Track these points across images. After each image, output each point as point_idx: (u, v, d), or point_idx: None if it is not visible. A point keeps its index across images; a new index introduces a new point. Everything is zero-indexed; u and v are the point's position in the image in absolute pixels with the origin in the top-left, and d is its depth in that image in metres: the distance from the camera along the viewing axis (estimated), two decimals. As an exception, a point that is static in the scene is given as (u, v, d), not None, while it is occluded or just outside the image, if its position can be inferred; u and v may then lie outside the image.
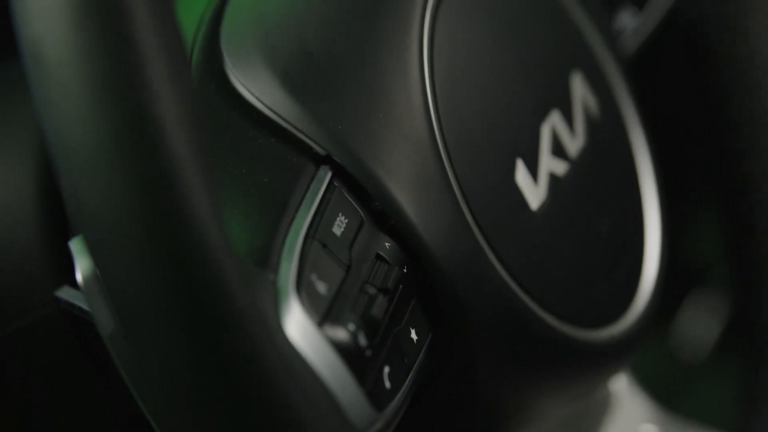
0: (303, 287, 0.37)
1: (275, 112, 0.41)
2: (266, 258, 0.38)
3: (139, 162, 0.32)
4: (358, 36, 0.42)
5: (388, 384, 0.39)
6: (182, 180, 0.32)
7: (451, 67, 0.43)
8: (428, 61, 0.43)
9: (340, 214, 0.40)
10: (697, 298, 0.79)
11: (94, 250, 0.33)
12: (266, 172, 0.40)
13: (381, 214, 0.41)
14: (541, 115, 0.45)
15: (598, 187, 0.48)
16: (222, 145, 0.41)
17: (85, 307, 0.41)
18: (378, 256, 0.40)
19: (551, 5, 0.48)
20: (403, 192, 0.41)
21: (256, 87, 0.41)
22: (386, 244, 0.40)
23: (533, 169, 0.45)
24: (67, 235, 0.39)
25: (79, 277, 0.36)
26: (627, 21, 0.55)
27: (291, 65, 0.42)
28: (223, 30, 0.43)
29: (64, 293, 0.43)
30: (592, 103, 0.48)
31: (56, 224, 0.44)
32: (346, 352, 0.37)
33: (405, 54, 0.42)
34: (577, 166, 0.46)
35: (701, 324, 0.78)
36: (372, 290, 0.39)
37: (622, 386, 0.56)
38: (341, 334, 0.37)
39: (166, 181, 0.32)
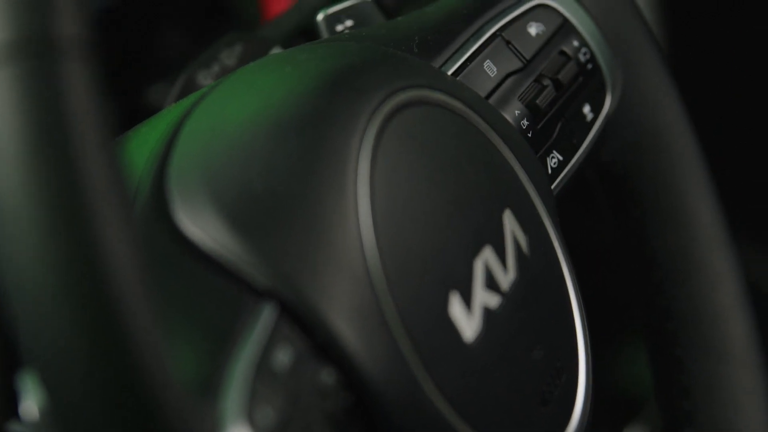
0: (247, 416, 0.38)
1: (221, 249, 0.42)
2: (211, 388, 0.39)
3: (84, 300, 0.33)
4: (301, 176, 0.44)
5: None
6: (126, 318, 0.33)
7: (390, 205, 0.45)
8: (369, 198, 0.44)
9: (283, 345, 0.41)
10: (630, 426, 0.80)
11: (43, 383, 0.34)
12: (211, 306, 0.41)
13: (323, 344, 0.42)
14: (475, 251, 0.47)
15: (530, 318, 0.49)
16: (168, 281, 0.42)
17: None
18: (319, 384, 0.41)
19: (484, 147, 0.50)
20: (344, 325, 0.42)
21: (203, 224, 0.42)
22: (328, 374, 0.41)
23: (468, 302, 0.46)
24: (17, 368, 0.39)
25: (27, 409, 0.36)
26: (553, 163, 0.57)
27: (237, 204, 0.43)
28: (171, 169, 0.44)
29: (13, 427, 0.43)
30: (523, 239, 0.49)
31: (5, 357, 0.44)
32: None
33: (346, 193, 0.44)
34: (510, 298, 0.48)
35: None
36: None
37: None
38: None
39: (110, 320, 0.33)
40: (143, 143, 0.46)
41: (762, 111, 1.34)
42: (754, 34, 1.34)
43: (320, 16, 0.58)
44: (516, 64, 0.56)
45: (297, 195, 0.43)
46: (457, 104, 0.50)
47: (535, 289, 0.50)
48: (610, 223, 0.63)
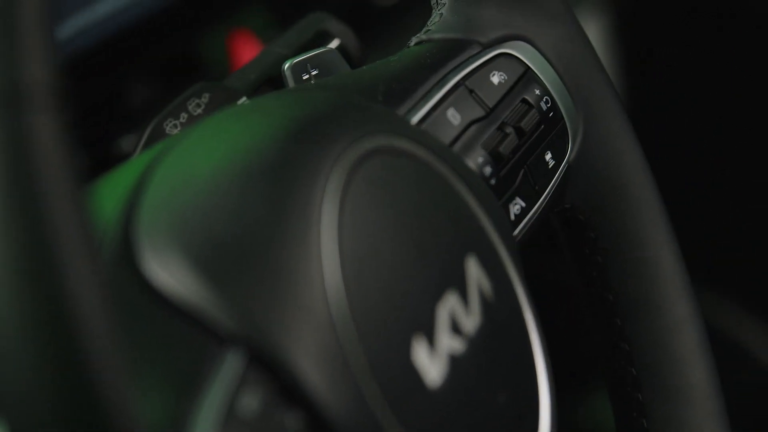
0: None
1: (188, 295, 0.42)
2: None
3: (51, 348, 0.33)
4: (268, 222, 0.44)
5: None
6: (93, 367, 0.33)
7: (356, 251, 0.45)
8: (335, 244, 0.44)
9: (250, 390, 0.41)
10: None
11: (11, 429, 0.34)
12: (178, 352, 0.42)
13: (290, 389, 0.42)
14: (440, 296, 0.47)
15: (493, 363, 0.49)
16: (136, 327, 0.42)
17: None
18: (286, 429, 0.41)
19: (448, 195, 0.51)
20: (311, 370, 0.42)
21: (170, 270, 0.43)
22: (296, 418, 0.42)
23: (433, 347, 0.46)
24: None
25: None
26: (516, 209, 0.57)
27: (204, 250, 0.43)
28: (139, 216, 0.44)
29: None
30: (486, 284, 0.50)
31: None
32: None
33: (312, 238, 0.44)
34: (474, 343, 0.48)
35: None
36: None
37: None
38: None
39: (76, 367, 0.33)
40: (111, 191, 0.47)
41: (718, 157, 1.36)
42: (711, 83, 1.36)
43: (286, 66, 0.59)
44: (479, 112, 0.56)
45: (264, 241, 0.44)
46: (422, 152, 0.50)
47: (498, 334, 0.50)
48: (572, 268, 0.63)
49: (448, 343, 0.47)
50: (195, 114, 0.60)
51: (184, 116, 0.60)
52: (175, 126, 0.60)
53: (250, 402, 0.41)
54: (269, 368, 0.42)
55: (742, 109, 1.34)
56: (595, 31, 1.33)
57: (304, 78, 0.59)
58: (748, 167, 1.34)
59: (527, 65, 0.59)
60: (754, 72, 1.34)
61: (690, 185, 1.31)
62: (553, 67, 0.60)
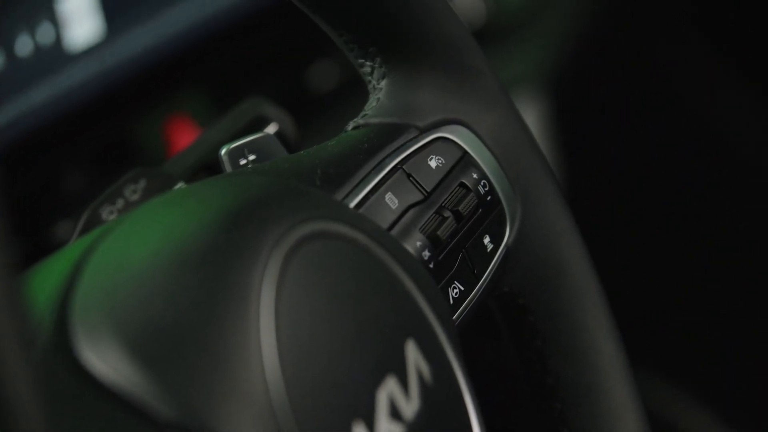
0: None
1: (124, 382, 0.42)
2: None
3: None
4: (205, 308, 0.44)
5: None
6: None
7: (294, 336, 0.45)
8: (273, 330, 0.44)
9: None
10: None
11: None
12: None
13: None
14: (379, 381, 0.47)
15: None
16: (71, 416, 0.42)
17: None
18: None
19: (386, 279, 0.51)
20: None
21: (106, 358, 0.42)
22: None
23: (372, 431, 0.46)
24: None
25: None
26: (455, 293, 0.57)
27: (140, 337, 0.43)
28: (74, 304, 0.44)
29: None
30: (425, 369, 0.50)
31: None
32: None
33: (249, 324, 0.44)
34: (413, 428, 0.48)
35: None
36: None
37: None
38: None
39: None
40: (46, 279, 0.46)
41: (656, 238, 1.37)
42: (648, 167, 1.38)
43: (223, 151, 0.59)
44: (417, 196, 0.57)
45: (201, 327, 0.44)
46: (360, 236, 0.50)
47: (438, 419, 0.50)
48: (511, 352, 0.64)
49: (388, 428, 0.47)
50: (131, 200, 0.60)
51: (120, 202, 0.60)
52: (112, 212, 0.60)
53: None
54: None
55: (679, 191, 1.36)
56: (532, 115, 1.35)
57: (242, 163, 0.59)
58: (686, 249, 1.36)
59: (464, 149, 0.59)
60: (690, 156, 1.36)
61: (629, 267, 1.32)
62: (490, 151, 0.60)
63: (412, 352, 0.50)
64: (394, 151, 0.57)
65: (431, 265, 0.56)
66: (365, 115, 0.60)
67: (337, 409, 0.45)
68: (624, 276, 1.17)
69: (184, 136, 1.08)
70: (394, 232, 0.55)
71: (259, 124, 0.67)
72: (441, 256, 0.57)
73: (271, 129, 0.67)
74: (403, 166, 0.57)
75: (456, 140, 0.59)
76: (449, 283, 0.57)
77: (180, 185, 0.62)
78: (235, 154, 0.59)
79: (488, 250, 0.59)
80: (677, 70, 1.35)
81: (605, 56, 1.40)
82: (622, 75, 1.39)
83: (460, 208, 0.58)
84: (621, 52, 1.39)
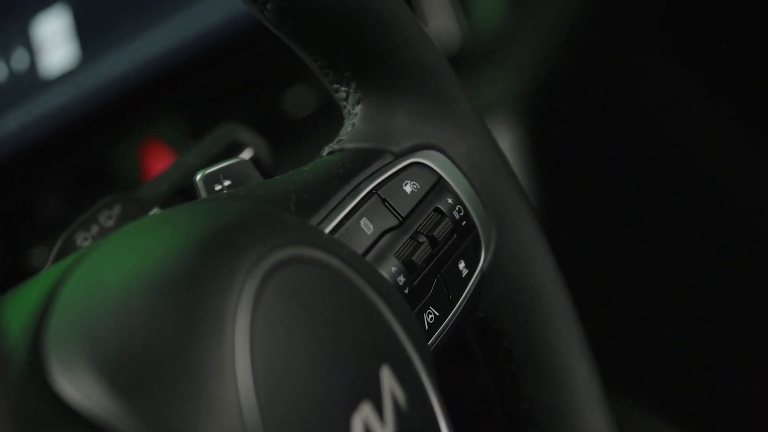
0: None
1: (97, 409, 0.42)
2: None
3: None
4: (179, 335, 0.44)
5: None
6: None
7: (268, 363, 0.45)
8: (248, 356, 0.44)
9: None
10: None
11: None
12: None
13: None
14: (354, 407, 0.47)
15: None
16: None
17: None
18: None
19: (361, 305, 0.51)
20: None
21: (80, 386, 0.42)
22: None
23: None
24: None
25: None
26: (430, 319, 0.58)
27: (114, 364, 0.43)
28: (48, 331, 0.44)
29: None
30: (400, 395, 0.50)
31: None
32: None
33: (224, 351, 0.44)
34: None
35: None
36: None
37: None
38: None
39: None
40: (20, 306, 0.46)
41: (632, 264, 1.38)
42: (624, 190, 1.39)
43: (198, 176, 0.59)
44: (392, 221, 0.57)
45: (176, 354, 0.43)
46: (335, 262, 0.50)
47: None
48: (487, 377, 0.64)
49: None
50: (106, 226, 0.60)
51: (95, 228, 0.60)
52: (86, 239, 0.60)
53: None
54: None
55: (656, 215, 1.37)
56: (507, 139, 1.35)
57: (217, 189, 0.59)
58: (663, 274, 1.36)
59: (440, 174, 0.60)
60: (663, 177, 1.37)
61: (603, 292, 1.32)
62: (465, 175, 0.60)
63: (387, 378, 0.50)
64: (370, 176, 0.58)
65: (406, 291, 0.56)
66: (340, 140, 0.60)
67: None
68: (599, 300, 1.18)
69: (159, 162, 1.08)
70: (370, 257, 0.55)
71: (234, 149, 0.67)
72: (416, 282, 0.57)
73: (246, 154, 0.67)
74: (379, 191, 0.57)
75: (431, 165, 0.59)
76: (424, 309, 0.57)
77: (155, 211, 0.62)
78: (210, 180, 0.59)
79: (463, 275, 0.59)
80: (651, 92, 1.36)
81: (579, 80, 1.41)
82: (595, 98, 1.40)
83: (435, 233, 0.58)
84: (594, 75, 1.40)
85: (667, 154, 1.37)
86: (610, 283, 1.37)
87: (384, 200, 0.57)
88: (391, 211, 0.57)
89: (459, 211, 0.59)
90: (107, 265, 0.47)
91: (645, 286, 1.37)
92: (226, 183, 0.59)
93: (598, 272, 1.35)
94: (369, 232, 0.56)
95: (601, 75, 1.39)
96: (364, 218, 0.56)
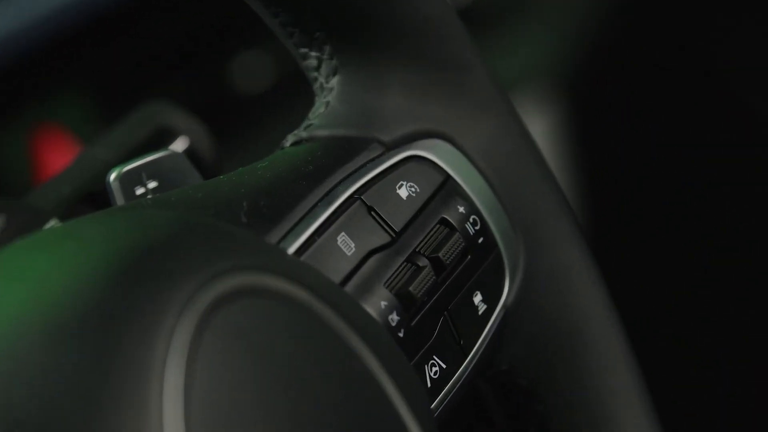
0: None
1: None
2: None
3: None
4: (86, 395, 0.44)
5: None
6: None
7: (209, 427, 0.45)
8: (182, 423, 0.44)
9: None
10: None
11: None
12: None
13: None
14: None
15: None
16: None
17: None
18: None
19: (337, 353, 0.51)
20: None
21: None
22: None
23: None
24: None
25: None
26: (434, 372, 0.58)
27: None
28: None
29: None
30: None
31: None
32: None
33: (149, 416, 0.44)
34: None
35: None
36: None
37: None
38: None
39: None
40: None
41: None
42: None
43: (113, 176, 0.59)
44: (382, 238, 0.57)
45: (79, 421, 0.43)
46: (301, 294, 0.50)
47: None
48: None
49: None
50: (-16, 244, 0.60)
51: (-30, 247, 0.60)
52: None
53: None
54: None
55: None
56: (539, 124, 1.36)
57: (138, 193, 0.59)
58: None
59: (447, 172, 0.60)
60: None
61: (656, 316, 1.41)
62: (482, 174, 0.60)
63: None
64: (350, 175, 0.57)
65: (401, 334, 0.56)
66: (310, 125, 0.60)
67: None
68: (665, 348, 1.22)
69: (58, 156, 1.08)
70: (350, 287, 0.55)
71: (162, 138, 0.67)
72: (415, 321, 0.57)
73: (179, 145, 0.67)
74: (363, 196, 0.57)
75: (435, 160, 0.59)
76: (426, 359, 0.57)
77: (53, 223, 0.62)
78: (129, 180, 0.59)
79: (480, 312, 0.59)
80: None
81: (626, 47, 1.43)
82: (644, 74, 1.43)
83: (440, 255, 0.58)
84: (643, 47, 1.43)
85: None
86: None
87: (370, 209, 0.57)
88: (379, 224, 0.57)
89: (474, 224, 0.59)
90: (-13, 299, 0.47)
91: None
92: (152, 185, 0.59)
93: (665, 302, 1.44)
94: (349, 253, 0.56)
95: (654, 45, 1.43)
96: (343, 233, 0.56)
